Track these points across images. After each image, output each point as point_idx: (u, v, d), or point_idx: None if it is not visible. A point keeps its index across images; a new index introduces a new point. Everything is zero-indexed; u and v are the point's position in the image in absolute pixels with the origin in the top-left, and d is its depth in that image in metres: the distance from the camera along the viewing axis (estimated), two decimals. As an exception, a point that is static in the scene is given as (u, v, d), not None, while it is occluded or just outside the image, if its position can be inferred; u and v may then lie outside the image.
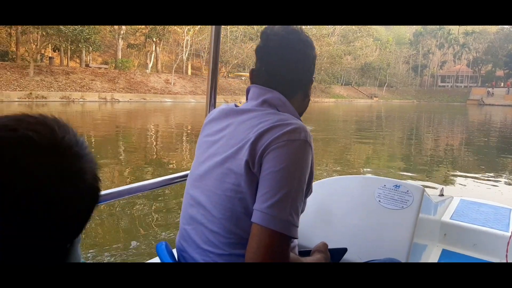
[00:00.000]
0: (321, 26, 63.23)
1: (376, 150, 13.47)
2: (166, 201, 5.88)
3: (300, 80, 1.17)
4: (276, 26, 1.14)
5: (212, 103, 1.70)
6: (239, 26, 58.05)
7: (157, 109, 29.82)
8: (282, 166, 0.97)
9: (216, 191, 1.06)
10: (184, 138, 14.46)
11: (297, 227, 0.97)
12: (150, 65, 48.03)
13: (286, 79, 1.14)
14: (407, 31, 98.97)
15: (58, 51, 38.75)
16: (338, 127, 21.22)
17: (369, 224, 1.76)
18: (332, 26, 68.96)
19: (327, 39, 62.22)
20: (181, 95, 41.30)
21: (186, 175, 1.56)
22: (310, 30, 61.49)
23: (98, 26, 35.36)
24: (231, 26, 56.72)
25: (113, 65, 40.42)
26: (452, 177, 8.85)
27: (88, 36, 30.18)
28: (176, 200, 5.84)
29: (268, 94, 1.12)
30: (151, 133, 15.59)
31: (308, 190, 1.07)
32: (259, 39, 1.17)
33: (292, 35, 1.13)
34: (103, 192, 1.22)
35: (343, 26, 69.21)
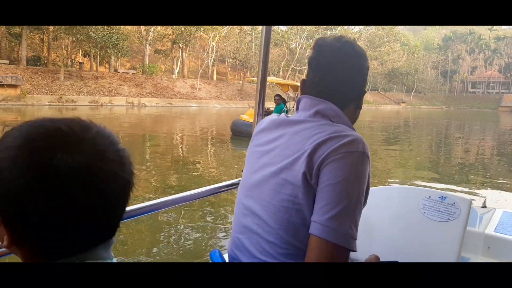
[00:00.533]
0: (346, 31, 62.64)
1: (404, 158, 13.11)
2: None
3: (353, 92, 1.17)
4: (329, 37, 1.15)
5: (260, 113, 1.67)
6: (261, 31, 58.14)
7: (183, 114, 30.17)
8: (341, 179, 0.96)
9: (272, 201, 1.05)
10: (208, 142, 14.49)
11: (356, 239, 0.97)
12: (176, 71, 48.74)
13: (340, 90, 1.14)
14: (436, 36, 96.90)
15: (88, 57, 39.88)
16: (364, 134, 20.85)
17: (414, 236, 1.69)
18: (358, 31, 68.28)
19: (353, 44, 61.45)
20: (206, 100, 41.68)
21: (235, 184, 1.59)
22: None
23: (126, 32, 36.19)
24: (257, 32, 56.98)
25: (141, 71, 41.20)
26: (487, 188, 8.47)
27: (117, 42, 30.91)
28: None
29: (321, 105, 1.11)
30: (177, 137, 15.71)
31: (365, 202, 1.06)
32: (312, 49, 1.18)
33: (347, 47, 1.13)
34: (151, 202, 1.23)
35: (370, 31, 68.44)
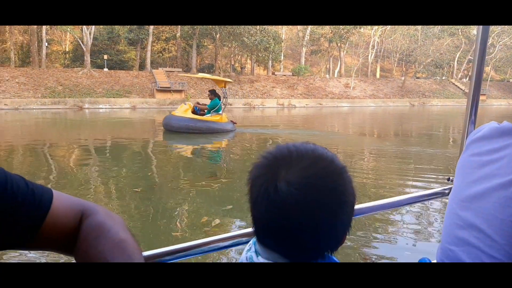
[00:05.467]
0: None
1: None
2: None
3: None
4: None
5: (472, 121, 1.57)
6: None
7: (333, 114, 29.18)
8: None
9: (499, 216, 1.00)
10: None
11: None
12: (336, 70, 47.75)
13: None
14: None
15: (250, 61, 42.50)
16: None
17: None
18: None
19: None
20: (359, 99, 39.49)
21: (439, 193, 1.55)
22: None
23: (280, 35, 37.02)
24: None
25: (297, 72, 41.66)
26: None
27: (268, 45, 31.81)
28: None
29: None
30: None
31: None
32: None
33: None
34: (358, 206, 1.26)
35: None
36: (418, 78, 50.13)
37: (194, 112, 14.14)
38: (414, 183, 7.58)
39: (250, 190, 0.68)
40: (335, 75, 46.85)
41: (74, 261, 0.67)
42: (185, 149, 11.91)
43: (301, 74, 39.60)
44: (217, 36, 35.80)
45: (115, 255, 0.62)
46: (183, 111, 14.00)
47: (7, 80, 28.52)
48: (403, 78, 46.78)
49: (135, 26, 37.04)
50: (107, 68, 34.61)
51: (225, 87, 14.96)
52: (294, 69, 42.35)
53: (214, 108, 14.05)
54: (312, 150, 0.66)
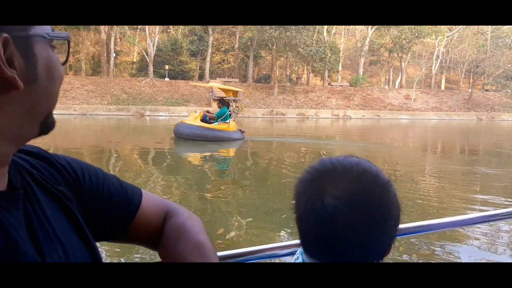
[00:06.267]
0: None
1: None
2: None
3: None
4: None
5: None
6: (505, 31, 48.41)
7: (392, 126, 28.11)
8: None
9: None
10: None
11: None
12: (397, 81, 46.06)
13: None
14: None
15: (307, 72, 42.28)
16: None
17: None
18: None
19: None
20: (420, 112, 37.65)
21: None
22: None
23: (338, 46, 36.49)
24: (499, 31, 48.02)
25: (354, 83, 40.75)
26: None
27: (324, 56, 31.48)
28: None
29: None
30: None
31: None
32: None
33: None
34: (412, 224, 1.23)
35: None
36: (487, 90, 46.86)
37: (203, 120, 14.23)
38: (481, 207, 6.93)
39: (296, 204, 0.69)
40: (396, 86, 45.18)
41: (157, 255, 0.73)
42: (193, 157, 12.09)
43: (359, 85, 38.66)
44: (274, 47, 36.07)
45: (194, 257, 0.67)
46: (193, 119, 14.15)
47: (77, 87, 30.79)
48: (469, 90, 44.01)
49: (196, 38, 38.42)
50: (168, 78, 36.17)
51: (234, 96, 15.42)
52: (352, 80, 41.45)
53: (221, 117, 14.16)
54: (356, 164, 0.66)
